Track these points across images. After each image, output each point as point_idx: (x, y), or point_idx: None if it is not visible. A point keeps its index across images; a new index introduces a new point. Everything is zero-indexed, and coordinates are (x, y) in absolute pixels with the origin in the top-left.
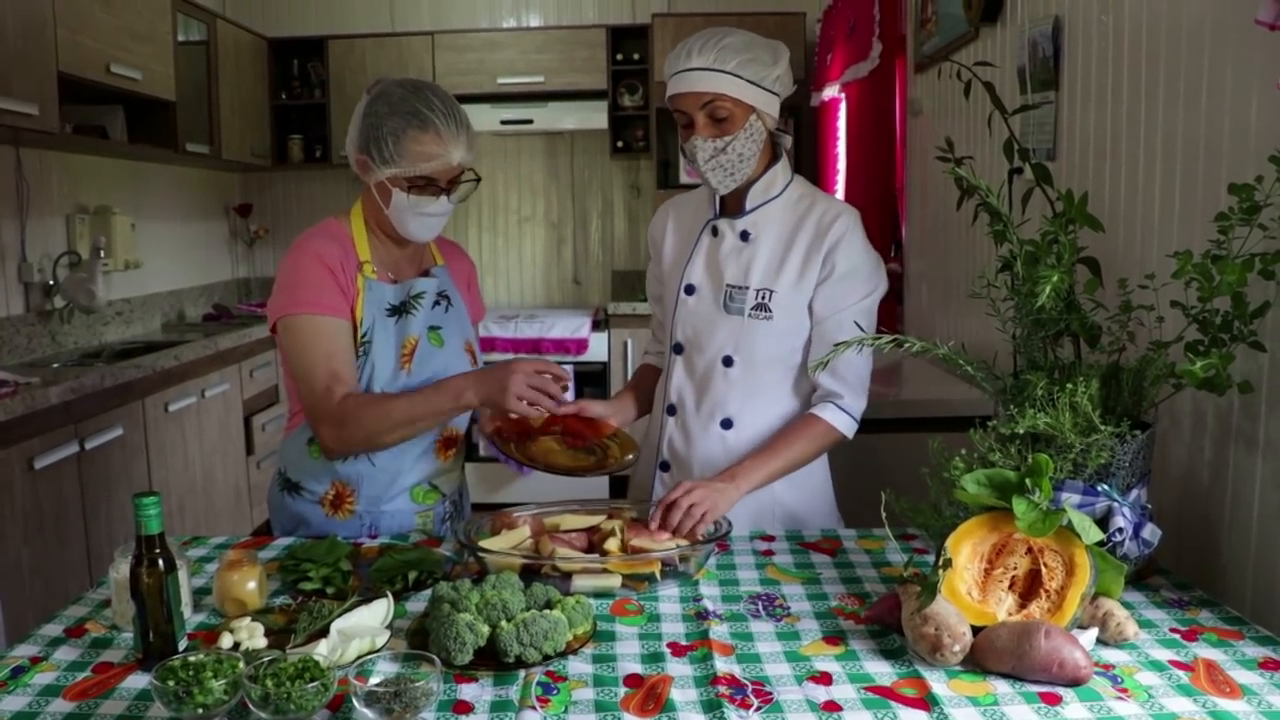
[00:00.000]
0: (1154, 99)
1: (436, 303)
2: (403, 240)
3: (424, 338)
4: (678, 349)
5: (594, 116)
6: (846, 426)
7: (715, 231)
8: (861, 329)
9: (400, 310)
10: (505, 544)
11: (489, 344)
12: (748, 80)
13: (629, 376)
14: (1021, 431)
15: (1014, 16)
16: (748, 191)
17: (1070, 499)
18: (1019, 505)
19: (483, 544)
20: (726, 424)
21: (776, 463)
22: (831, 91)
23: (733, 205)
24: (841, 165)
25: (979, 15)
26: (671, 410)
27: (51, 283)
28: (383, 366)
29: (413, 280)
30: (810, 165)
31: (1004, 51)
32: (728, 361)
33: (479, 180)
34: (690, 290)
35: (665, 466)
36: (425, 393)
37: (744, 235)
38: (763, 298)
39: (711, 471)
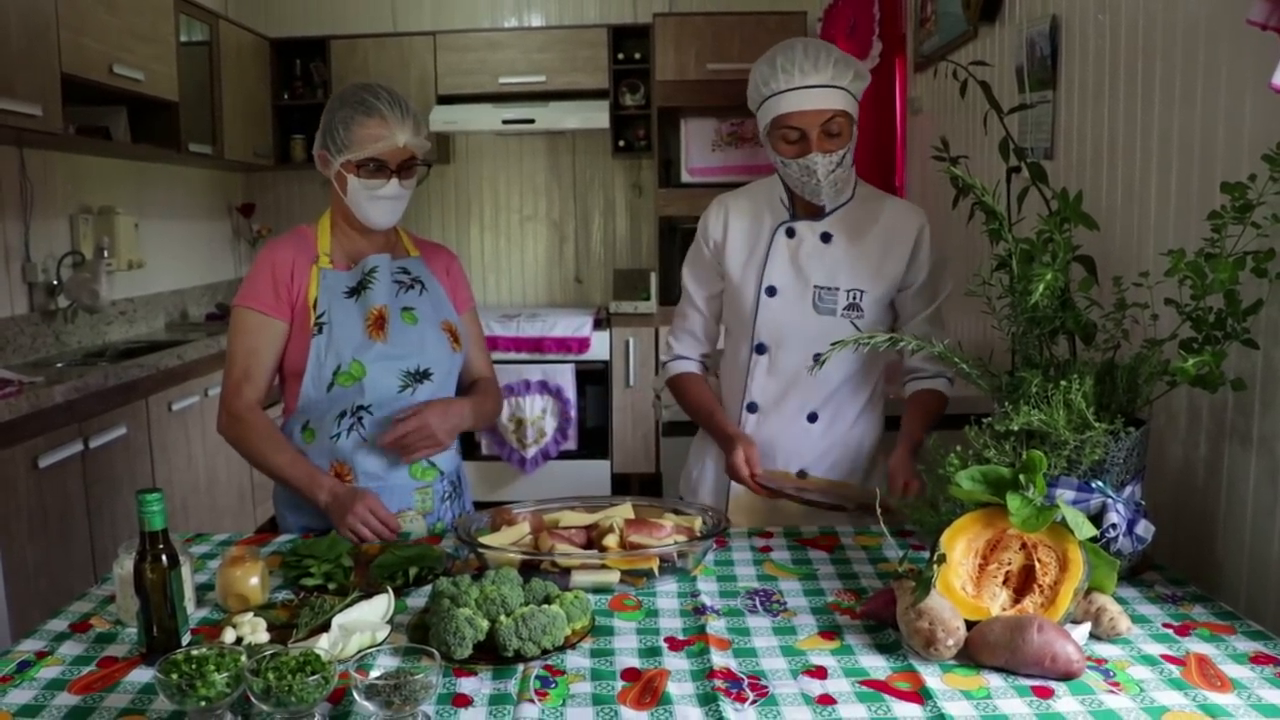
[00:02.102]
0: (1150, 98)
1: (410, 286)
2: (367, 231)
3: (397, 315)
4: (760, 349)
5: (596, 116)
6: (950, 393)
7: (791, 233)
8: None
9: (357, 289)
10: (505, 540)
11: (491, 343)
12: (853, 95)
13: (631, 377)
14: (1016, 428)
15: (1012, 16)
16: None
17: (1064, 495)
18: (1013, 501)
19: (482, 540)
20: (812, 418)
21: (922, 435)
22: None
23: (808, 207)
24: None
25: (978, 14)
26: (753, 408)
27: (55, 283)
28: (347, 338)
29: (364, 260)
30: None
31: (1003, 51)
32: (815, 360)
33: (430, 166)
34: (772, 292)
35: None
36: (298, 463)
37: (825, 237)
38: (854, 298)
39: (797, 462)
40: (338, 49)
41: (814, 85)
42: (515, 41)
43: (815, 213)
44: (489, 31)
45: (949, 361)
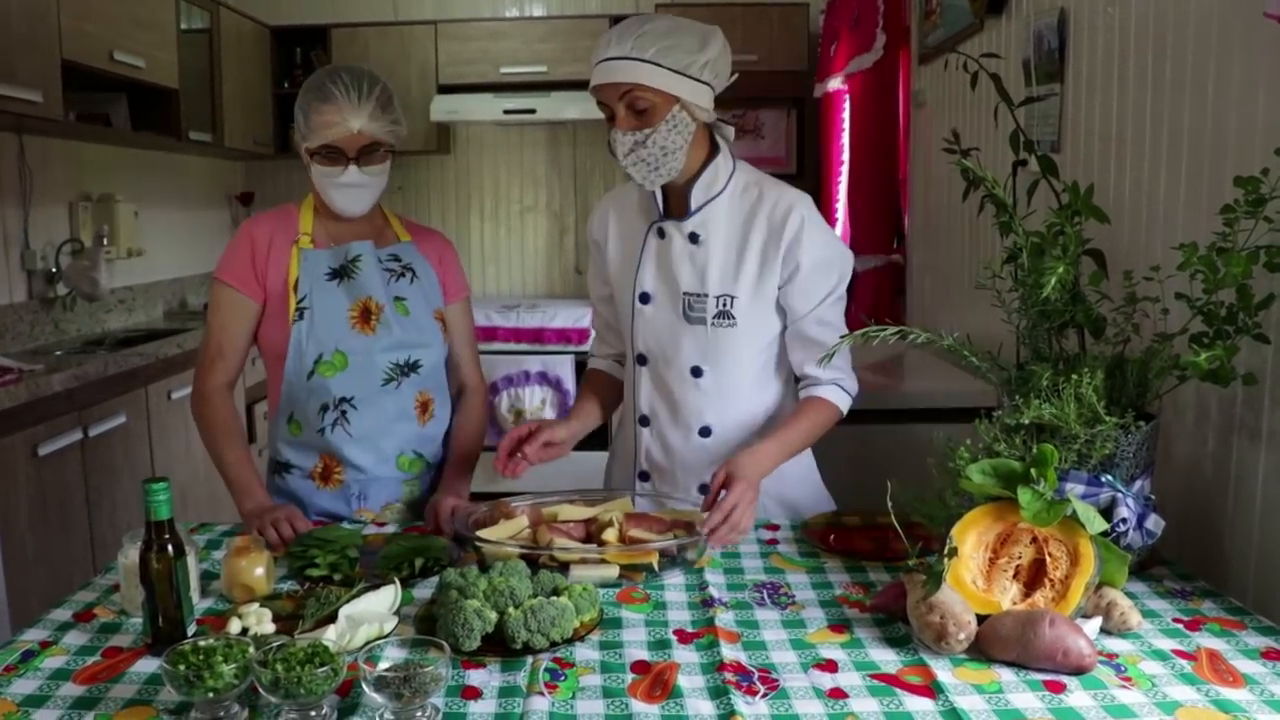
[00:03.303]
0: (1160, 91)
1: (401, 274)
2: (340, 216)
3: (389, 305)
4: (641, 360)
5: (596, 107)
6: (846, 404)
7: (662, 234)
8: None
9: (341, 274)
10: (503, 534)
11: (491, 333)
12: (669, 68)
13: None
14: (1026, 422)
15: (1019, 8)
16: (690, 189)
17: (1075, 489)
18: (1024, 495)
19: (480, 533)
20: (705, 432)
21: (789, 449)
22: (835, 83)
23: (677, 205)
24: (845, 157)
25: (984, 7)
26: (645, 421)
27: (54, 270)
28: (329, 326)
29: (348, 244)
30: (813, 157)
31: (1009, 43)
32: (697, 372)
33: (391, 151)
34: (646, 299)
35: (645, 476)
36: (242, 465)
37: (693, 237)
38: (724, 305)
39: (695, 478)
40: (338, 37)
41: (613, 58)
42: (517, 31)
43: (684, 210)
44: (490, 21)
45: (958, 355)
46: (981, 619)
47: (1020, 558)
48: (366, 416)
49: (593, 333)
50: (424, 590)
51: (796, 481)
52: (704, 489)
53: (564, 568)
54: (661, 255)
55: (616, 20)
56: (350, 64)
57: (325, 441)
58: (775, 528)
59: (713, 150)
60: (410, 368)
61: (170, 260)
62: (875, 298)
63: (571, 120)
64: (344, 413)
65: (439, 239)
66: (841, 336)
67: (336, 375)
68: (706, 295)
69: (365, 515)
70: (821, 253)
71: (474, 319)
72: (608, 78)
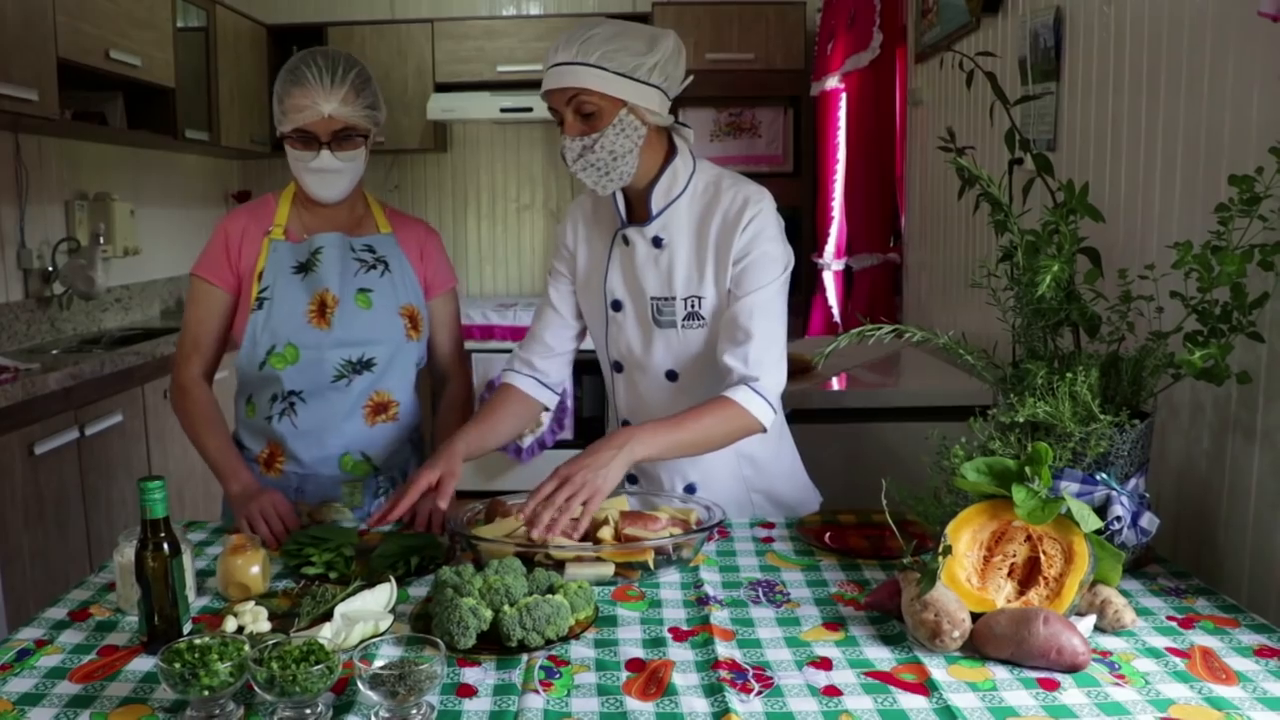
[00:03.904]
0: (1155, 90)
1: (373, 266)
2: (319, 203)
3: (349, 298)
4: (617, 367)
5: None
6: (761, 411)
7: (626, 240)
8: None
9: (305, 267)
10: (498, 532)
11: (488, 332)
12: (614, 72)
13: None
14: (1021, 420)
15: (1015, 7)
16: (650, 194)
17: (1069, 487)
18: (1018, 493)
19: (476, 531)
20: None
21: (680, 435)
22: (832, 82)
23: (639, 210)
24: (842, 155)
25: (980, 6)
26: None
27: (51, 269)
28: (285, 319)
29: (314, 236)
30: (810, 155)
31: (1005, 42)
32: (671, 376)
33: (367, 137)
34: (618, 306)
35: (633, 479)
36: (225, 451)
37: (656, 242)
38: (693, 306)
39: (680, 480)
40: (335, 36)
41: (559, 63)
42: (513, 30)
43: (645, 215)
44: (487, 19)
45: (953, 353)
46: (976, 617)
47: (1015, 556)
48: (314, 411)
49: (530, 337)
50: (419, 588)
51: (784, 478)
52: (690, 489)
53: (559, 566)
54: (626, 262)
55: (614, 19)
56: (330, 48)
57: (272, 429)
58: (770, 525)
59: (670, 152)
60: (364, 365)
61: (167, 259)
62: (871, 296)
63: None
64: (292, 404)
65: (422, 230)
66: (840, 335)
67: (287, 368)
68: (674, 299)
69: (302, 509)
70: (768, 246)
71: (460, 311)
72: (555, 83)
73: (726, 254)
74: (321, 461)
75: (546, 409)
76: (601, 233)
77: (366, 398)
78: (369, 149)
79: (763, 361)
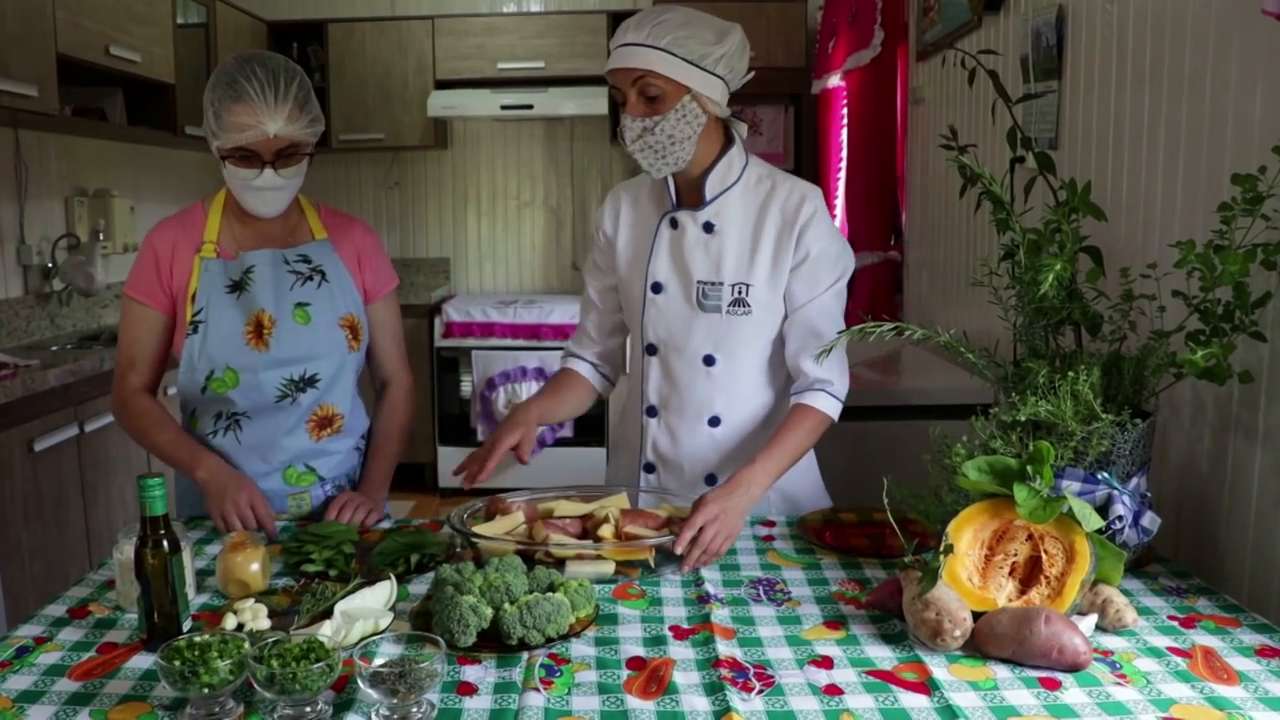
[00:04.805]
0: (1157, 88)
1: (309, 278)
2: (253, 216)
3: (286, 315)
4: (651, 350)
5: (594, 102)
6: (837, 412)
7: (675, 224)
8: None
9: (238, 287)
10: (499, 529)
11: (488, 329)
12: (682, 58)
13: (627, 365)
14: (1023, 419)
15: (1017, 5)
16: (704, 180)
17: (1071, 486)
18: (1020, 492)
19: (476, 529)
20: (714, 422)
21: (784, 461)
22: (833, 80)
23: (690, 195)
24: (843, 154)
25: (982, 3)
26: (652, 412)
27: (50, 265)
28: (221, 343)
29: (245, 254)
30: (811, 153)
31: (1007, 40)
32: (709, 360)
33: (312, 156)
34: (658, 289)
35: (650, 468)
36: (180, 441)
37: (708, 227)
38: (739, 292)
39: (702, 469)
40: (335, 33)
41: (629, 44)
42: (514, 27)
43: (697, 200)
44: (487, 16)
45: (954, 351)
46: (977, 616)
47: (1016, 555)
48: (258, 428)
49: (578, 328)
50: (419, 586)
51: (797, 476)
52: (711, 480)
53: (560, 564)
54: (674, 245)
55: (614, 16)
56: (261, 52)
57: (214, 444)
58: (771, 524)
59: (727, 144)
60: (307, 382)
61: None
62: (872, 294)
63: (568, 116)
64: (237, 421)
65: (359, 232)
66: (840, 332)
67: (228, 391)
68: (721, 284)
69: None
70: (829, 244)
71: (400, 311)
72: (622, 62)
73: (785, 247)
74: (264, 476)
75: (603, 398)
76: (647, 216)
77: (310, 413)
78: (310, 161)
79: (834, 364)
